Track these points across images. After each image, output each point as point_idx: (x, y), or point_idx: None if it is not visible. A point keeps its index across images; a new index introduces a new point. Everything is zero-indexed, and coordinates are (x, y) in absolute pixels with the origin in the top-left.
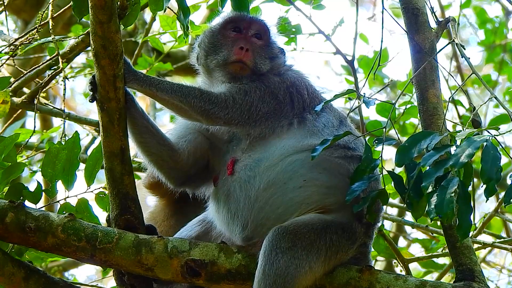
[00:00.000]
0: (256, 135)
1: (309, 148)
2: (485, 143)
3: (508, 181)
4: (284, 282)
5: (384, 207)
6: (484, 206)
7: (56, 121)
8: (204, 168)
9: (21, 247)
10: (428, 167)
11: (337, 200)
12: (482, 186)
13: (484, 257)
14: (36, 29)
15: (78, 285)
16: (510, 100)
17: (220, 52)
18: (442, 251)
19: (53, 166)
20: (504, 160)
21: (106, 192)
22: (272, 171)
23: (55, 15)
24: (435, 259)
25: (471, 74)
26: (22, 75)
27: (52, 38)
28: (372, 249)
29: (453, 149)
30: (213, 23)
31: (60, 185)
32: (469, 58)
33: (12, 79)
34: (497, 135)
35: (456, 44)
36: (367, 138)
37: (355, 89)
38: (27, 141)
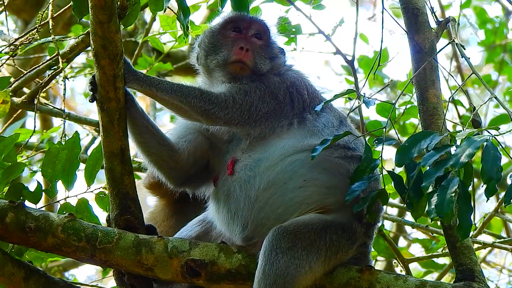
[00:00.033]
0: (256, 135)
1: (309, 148)
2: (485, 143)
3: (508, 181)
4: (284, 282)
5: (384, 207)
6: (484, 206)
7: (56, 121)
8: (204, 168)
9: (21, 247)
10: (428, 167)
11: (337, 200)
12: (482, 186)
13: (484, 257)
14: (36, 29)
15: (78, 285)
16: (510, 100)
17: (220, 52)
18: (442, 251)
19: (53, 166)
20: (504, 160)
21: (106, 192)
22: (272, 171)
23: (55, 15)
24: (435, 259)
25: (471, 74)
26: (22, 75)
27: (52, 38)
28: (372, 249)
29: (453, 149)
30: (213, 23)
31: (60, 185)
32: (469, 58)
33: (12, 79)
34: (497, 135)
35: (456, 44)
36: (367, 138)
37: (355, 89)
38: (27, 141)
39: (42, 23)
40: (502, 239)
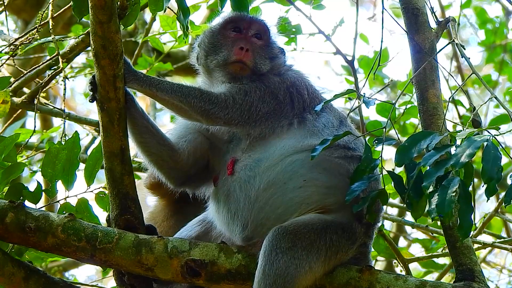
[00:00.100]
0: (256, 135)
1: (309, 148)
2: (485, 143)
3: (508, 181)
4: (284, 282)
5: (384, 207)
6: (484, 206)
7: (56, 121)
8: (204, 168)
9: (21, 247)
10: (428, 167)
11: (337, 200)
12: (482, 186)
13: (484, 257)
14: (36, 29)
15: (78, 285)
16: (511, 100)
17: (220, 52)
18: (442, 251)
19: (53, 166)
20: (504, 160)
21: (106, 192)
22: (272, 171)
23: (55, 15)
24: (435, 259)
25: (471, 74)
26: (22, 75)
27: (52, 38)
28: (372, 249)
29: (453, 149)
30: (213, 23)
31: (60, 185)
32: (469, 58)
33: (12, 79)
34: (497, 135)
35: (456, 44)
36: (367, 138)
37: (355, 89)
38: (27, 141)
39: (42, 23)
40: (502, 239)
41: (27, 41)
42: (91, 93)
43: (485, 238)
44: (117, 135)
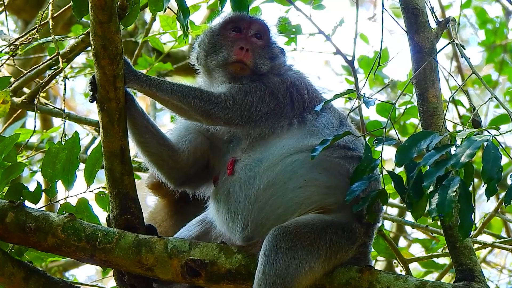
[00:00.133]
0: (256, 135)
1: (309, 148)
2: (485, 143)
3: (509, 181)
4: (284, 282)
5: (384, 207)
6: (484, 206)
7: (56, 121)
8: (204, 168)
9: (21, 247)
10: (428, 167)
11: (337, 200)
12: (482, 186)
13: (484, 257)
14: (36, 29)
15: (78, 285)
16: (511, 100)
17: (220, 52)
18: (442, 251)
19: (53, 166)
20: (504, 160)
21: (106, 192)
22: (272, 171)
23: (55, 15)
24: (435, 259)
25: (471, 74)
26: (22, 75)
27: (52, 38)
28: (372, 249)
29: (453, 149)
30: (213, 23)
31: (60, 185)
32: (469, 58)
33: (12, 79)
34: (497, 135)
35: (456, 44)
36: (367, 138)
37: (355, 89)
38: (27, 141)
39: (42, 23)
40: (502, 239)
41: (27, 41)
42: (91, 93)
43: (485, 238)
44: (117, 135)
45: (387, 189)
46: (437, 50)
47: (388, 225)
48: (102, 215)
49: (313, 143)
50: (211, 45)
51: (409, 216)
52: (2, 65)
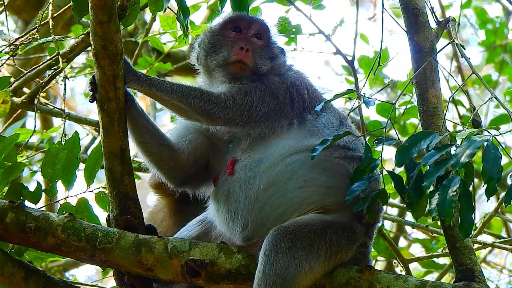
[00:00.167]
0: (256, 135)
1: (309, 148)
2: (485, 143)
3: (509, 181)
4: (284, 282)
5: (384, 207)
6: (484, 206)
7: (56, 121)
8: (204, 168)
9: (21, 247)
10: (428, 167)
11: (337, 200)
12: (482, 186)
13: (484, 257)
14: (36, 29)
15: (78, 285)
16: (511, 100)
17: (220, 52)
18: (442, 251)
19: (53, 166)
20: (504, 160)
21: (106, 192)
22: (272, 171)
23: (55, 15)
24: (435, 259)
25: (471, 74)
26: (22, 75)
27: (52, 38)
28: (372, 249)
29: (453, 149)
30: (213, 23)
31: (60, 185)
32: (469, 58)
33: (12, 79)
34: (497, 135)
35: (456, 44)
36: (367, 138)
37: (355, 89)
38: (27, 141)
39: (42, 23)
40: (502, 239)
41: (27, 41)
42: (91, 93)
43: (485, 238)
44: (117, 135)
45: (387, 189)
46: (437, 50)
47: (388, 225)
48: (102, 215)
49: (313, 143)
50: (211, 45)
51: (409, 216)
52: (2, 65)
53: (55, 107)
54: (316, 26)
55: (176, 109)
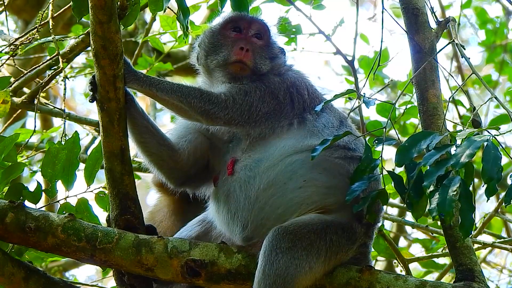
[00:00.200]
0: (256, 135)
1: (309, 149)
2: (485, 143)
3: (509, 181)
4: (284, 282)
5: (384, 207)
6: (484, 206)
7: (56, 121)
8: (204, 168)
9: (21, 247)
10: (428, 167)
11: (337, 200)
12: (482, 186)
13: (484, 257)
14: (36, 29)
15: (78, 285)
16: (511, 100)
17: (220, 52)
18: (442, 251)
19: (53, 166)
20: (504, 160)
21: (106, 192)
22: (272, 171)
23: (55, 15)
24: (435, 259)
25: (471, 74)
26: (22, 75)
27: (52, 38)
28: (372, 249)
29: (453, 149)
30: (213, 23)
31: (60, 185)
32: (469, 58)
33: (12, 79)
34: (497, 135)
35: (456, 44)
36: (367, 138)
37: (355, 89)
38: (27, 141)
39: (42, 23)
40: (502, 239)
41: (27, 41)
42: (91, 93)
43: (485, 238)
44: (117, 135)
45: (387, 189)
46: (437, 50)
47: (388, 225)
48: (102, 215)
49: (313, 143)
50: (211, 45)
51: (409, 216)
52: (2, 65)
53: (55, 107)
54: (316, 26)
55: (176, 109)
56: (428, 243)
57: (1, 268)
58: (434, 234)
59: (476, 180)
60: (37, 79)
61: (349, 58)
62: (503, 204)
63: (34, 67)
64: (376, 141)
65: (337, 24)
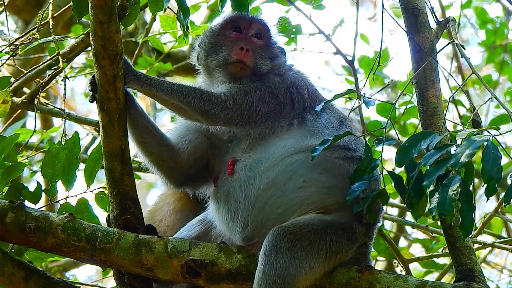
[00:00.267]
0: (256, 135)
1: (309, 149)
2: (485, 143)
3: (508, 181)
4: (284, 282)
5: (384, 207)
6: (484, 206)
7: (56, 121)
8: (204, 168)
9: (21, 247)
10: (428, 166)
11: (337, 200)
12: (482, 186)
13: (484, 257)
14: (36, 29)
15: (78, 285)
16: (511, 100)
17: (220, 52)
18: (442, 251)
19: (53, 166)
20: (504, 160)
21: (106, 192)
22: (272, 172)
23: (55, 15)
24: (435, 259)
25: (471, 74)
26: (22, 75)
27: (53, 38)
28: (372, 249)
29: (453, 149)
30: (213, 23)
31: (60, 185)
32: (469, 58)
33: (12, 79)
34: (497, 135)
35: (456, 44)
36: (367, 138)
37: (355, 89)
38: (27, 141)
39: (42, 23)
40: (502, 239)
41: (27, 41)
42: (91, 93)
43: (485, 238)
44: (117, 135)
45: (387, 189)
46: (437, 50)
47: (388, 225)
48: (102, 215)
49: (313, 143)
50: (211, 45)
51: (409, 216)
52: (2, 65)
53: (55, 107)
54: (316, 26)
55: (176, 109)
56: (428, 243)
57: (1, 268)
58: (434, 234)
59: (476, 180)
60: (37, 79)
61: (349, 58)
62: (503, 204)
63: (34, 67)
64: (376, 141)
65: (337, 24)
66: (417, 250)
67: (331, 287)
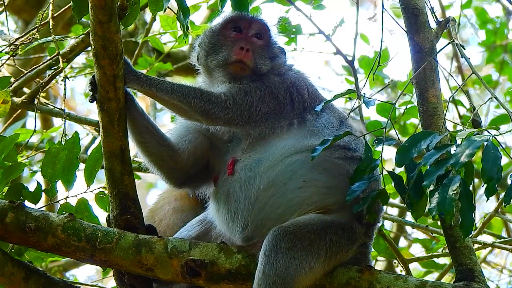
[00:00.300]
0: (256, 135)
1: (309, 149)
2: (485, 143)
3: (508, 181)
4: (284, 283)
5: (384, 207)
6: (484, 206)
7: (57, 121)
8: (204, 168)
9: (21, 247)
10: (428, 166)
11: (337, 200)
12: (482, 186)
13: (484, 257)
14: (36, 29)
15: (78, 285)
16: (511, 100)
17: (220, 52)
18: (442, 251)
19: (53, 166)
20: (504, 160)
21: (106, 192)
22: (272, 172)
23: (55, 15)
24: (435, 259)
25: (471, 74)
26: (22, 75)
27: (53, 38)
28: (372, 249)
29: (453, 149)
30: (213, 23)
31: (60, 185)
32: (469, 58)
33: (12, 79)
34: (497, 135)
35: (456, 44)
36: (367, 138)
37: (355, 89)
38: (27, 141)
39: (42, 23)
40: (502, 239)
41: (27, 41)
42: (91, 93)
43: (485, 238)
44: (117, 135)
45: (387, 189)
46: (437, 50)
47: (388, 225)
48: (102, 215)
49: (313, 143)
50: (211, 45)
51: (409, 216)
52: (2, 65)
53: (55, 107)
54: (316, 26)
55: (176, 109)
56: (428, 243)
57: (1, 268)
58: (434, 234)
59: (476, 180)
60: (37, 79)
61: (349, 58)
62: (503, 204)
63: (34, 67)
64: (376, 141)
65: (337, 24)
66: (417, 250)
67: (331, 287)
